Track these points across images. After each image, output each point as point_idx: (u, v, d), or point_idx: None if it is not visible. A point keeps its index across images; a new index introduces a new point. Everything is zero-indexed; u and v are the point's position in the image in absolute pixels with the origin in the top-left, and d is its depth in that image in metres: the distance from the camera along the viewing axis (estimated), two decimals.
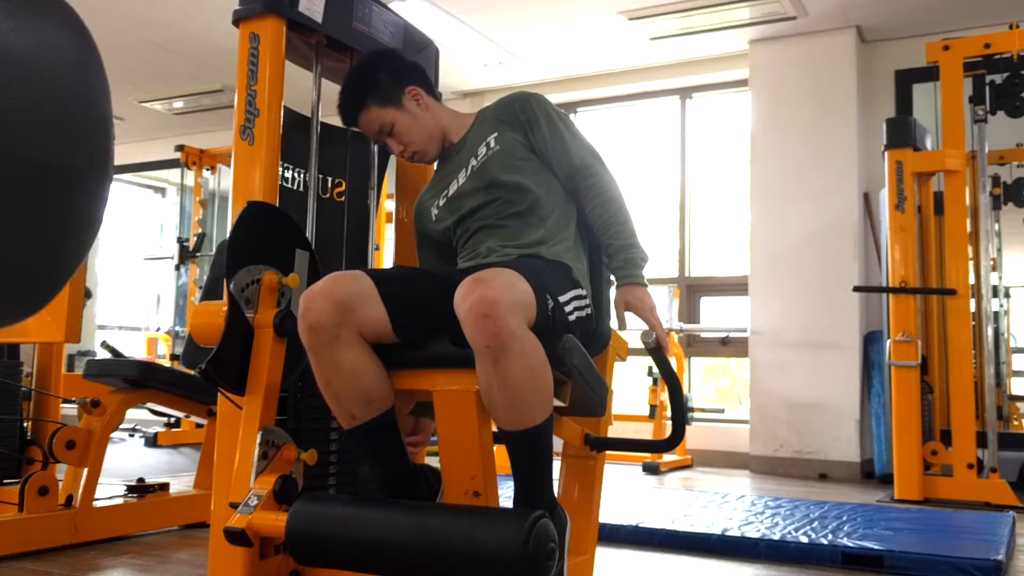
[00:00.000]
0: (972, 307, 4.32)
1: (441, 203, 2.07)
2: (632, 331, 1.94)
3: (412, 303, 1.74)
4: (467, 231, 2.02)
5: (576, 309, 1.81)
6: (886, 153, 4.34)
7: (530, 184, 1.97)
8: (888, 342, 4.26)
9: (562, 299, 1.75)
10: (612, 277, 1.98)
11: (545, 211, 1.96)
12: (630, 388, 5.74)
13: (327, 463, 2.18)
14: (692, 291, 6.03)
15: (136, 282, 8.35)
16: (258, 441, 1.79)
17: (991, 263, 4.46)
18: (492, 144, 2.01)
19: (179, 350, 6.44)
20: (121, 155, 5.95)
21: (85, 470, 2.80)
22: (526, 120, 2.02)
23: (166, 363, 6.28)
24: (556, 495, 1.83)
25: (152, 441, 5.78)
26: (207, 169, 6.66)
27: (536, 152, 2.02)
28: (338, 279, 1.70)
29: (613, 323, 2.03)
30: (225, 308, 1.84)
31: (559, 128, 2.02)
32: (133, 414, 3.98)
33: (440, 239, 2.12)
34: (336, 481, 2.19)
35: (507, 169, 1.98)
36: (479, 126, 2.09)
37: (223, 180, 6.93)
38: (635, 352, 2.02)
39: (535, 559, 1.40)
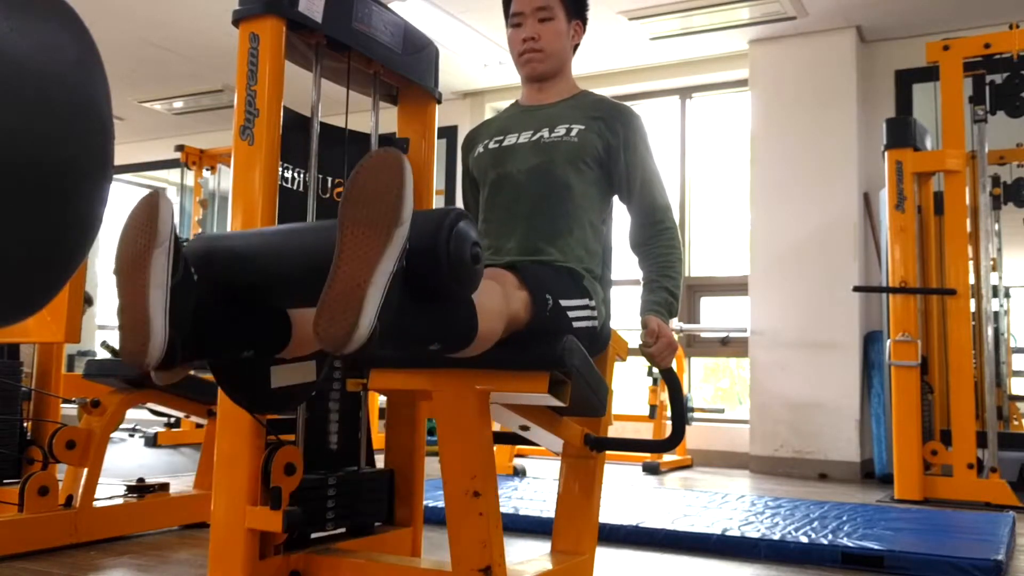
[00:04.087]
0: (972, 307, 4.32)
1: (491, 145, 2.07)
2: (632, 330, 1.94)
3: None
4: (499, 206, 2.02)
5: (583, 318, 1.81)
6: (886, 153, 4.34)
7: (578, 190, 1.97)
8: (888, 342, 4.26)
9: (566, 304, 1.76)
10: (641, 301, 1.96)
11: (577, 221, 1.95)
12: (630, 388, 5.74)
13: (325, 496, 2.16)
14: (692, 291, 6.02)
15: None
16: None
17: (991, 263, 4.46)
18: (572, 133, 1.99)
19: None
20: (121, 155, 5.94)
21: (85, 470, 2.80)
22: (622, 137, 2.00)
23: None
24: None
25: (152, 441, 5.77)
26: (207, 169, 6.65)
27: (605, 167, 2.01)
28: None
29: (613, 324, 2.03)
30: None
31: (651, 163, 2.03)
32: (133, 414, 3.98)
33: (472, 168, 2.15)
34: (334, 515, 2.18)
35: (568, 165, 1.97)
36: (573, 106, 2.07)
37: (223, 180, 6.92)
38: (635, 352, 2.02)
39: (458, 261, 1.23)
